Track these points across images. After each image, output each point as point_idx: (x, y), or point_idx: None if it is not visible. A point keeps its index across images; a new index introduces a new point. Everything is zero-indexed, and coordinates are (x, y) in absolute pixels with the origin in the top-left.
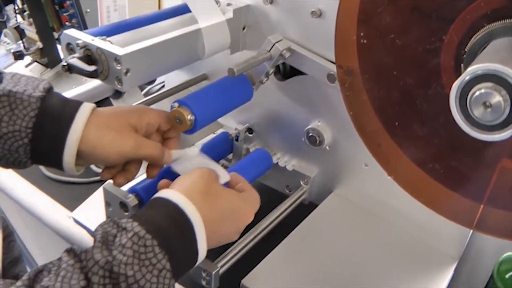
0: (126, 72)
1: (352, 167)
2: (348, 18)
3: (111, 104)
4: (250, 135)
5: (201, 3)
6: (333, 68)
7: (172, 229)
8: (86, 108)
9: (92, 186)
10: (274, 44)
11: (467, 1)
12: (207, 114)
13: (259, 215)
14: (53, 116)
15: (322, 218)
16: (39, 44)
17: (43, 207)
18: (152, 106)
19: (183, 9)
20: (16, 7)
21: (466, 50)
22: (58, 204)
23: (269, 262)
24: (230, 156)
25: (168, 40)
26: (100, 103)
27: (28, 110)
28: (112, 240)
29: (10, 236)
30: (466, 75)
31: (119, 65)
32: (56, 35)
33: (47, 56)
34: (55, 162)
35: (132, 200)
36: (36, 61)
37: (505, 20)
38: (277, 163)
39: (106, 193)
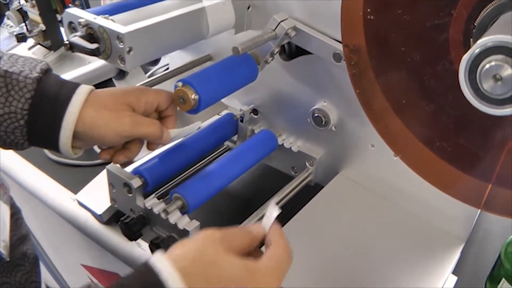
0: (129, 51)
1: (359, 147)
2: None
3: (113, 85)
4: (255, 116)
5: None
6: (339, 47)
7: None
8: (83, 90)
9: (96, 168)
10: (279, 23)
11: None
12: (211, 93)
13: (264, 197)
14: (49, 98)
15: (328, 199)
16: (42, 27)
17: (47, 190)
18: (156, 87)
19: None
20: None
21: (475, 24)
22: (62, 186)
23: None
24: (235, 137)
25: (171, 18)
26: (103, 84)
27: (24, 91)
28: None
29: (17, 213)
30: (476, 48)
31: (121, 43)
32: (59, 17)
33: (50, 39)
34: (52, 144)
35: (135, 181)
36: (39, 44)
37: None
38: (283, 144)
39: (110, 174)
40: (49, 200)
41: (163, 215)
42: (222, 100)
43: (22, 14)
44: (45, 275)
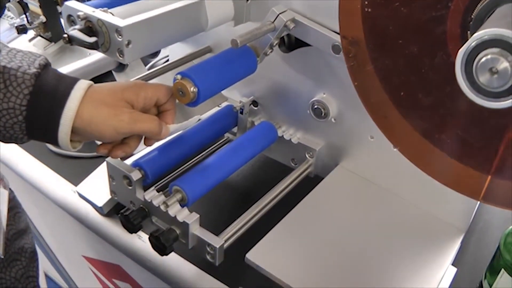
0: (128, 44)
1: (358, 139)
2: None
3: (113, 78)
4: (255, 108)
5: None
6: (338, 39)
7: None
8: (81, 85)
9: (97, 160)
10: (278, 15)
11: None
12: (210, 86)
13: (264, 188)
14: (48, 94)
15: (327, 191)
16: (43, 18)
17: (47, 182)
18: (156, 79)
19: None
20: None
21: (472, 17)
22: (63, 178)
23: (274, 236)
24: (235, 129)
25: (170, 11)
26: (103, 76)
27: (22, 87)
28: None
29: (16, 207)
30: (472, 41)
31: (120, 36)
32: (59, 9)
33: (51, 30)
34: (51, 139)
35: (135, 174)
36: (40, 35)
37: None
38: (282, 136)
39: (110, 167)
40: (50, 192)
41: (162, 208)
42: (222, 92)
43: (23, 6)
44: (47, 266)
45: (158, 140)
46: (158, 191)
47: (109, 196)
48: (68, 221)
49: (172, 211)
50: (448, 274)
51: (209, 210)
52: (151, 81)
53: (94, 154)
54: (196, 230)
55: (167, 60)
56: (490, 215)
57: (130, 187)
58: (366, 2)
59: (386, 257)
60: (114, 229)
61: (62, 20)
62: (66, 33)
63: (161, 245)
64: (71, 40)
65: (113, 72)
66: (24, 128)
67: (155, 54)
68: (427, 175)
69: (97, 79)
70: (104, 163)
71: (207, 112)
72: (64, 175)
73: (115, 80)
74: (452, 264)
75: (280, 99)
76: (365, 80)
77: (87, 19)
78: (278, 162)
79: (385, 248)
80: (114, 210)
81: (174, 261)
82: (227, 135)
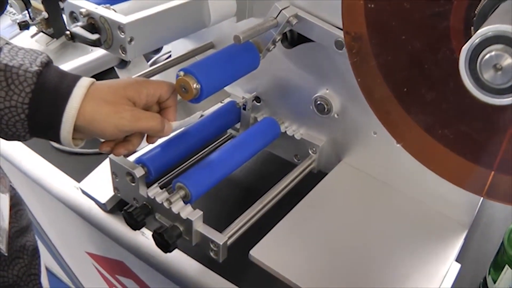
0: (130, 41)
1: (361, 135)
2: None
3: (116, 74)
4: (258, 104)
5: None
6: (340, 34)
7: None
8: (83, 83)
9: (99, 157)
10: (280, 10)
11: None
12: (213, 82)
13: (267, 184)
14: (50, 92)
15: (331, 187)
16: (45, 14)
17: (50, 178)
18: (158, 76)
19: None
20: None
21: (476, 12)
22: (66, 175)
23: (278, 232)
24: (237, 125)
25: (172, 7)
26: (105, 73)
27: (24, 85)
28: None
29: (18, 204)
30: (476, 38)
31: (122, 33)
32: (61, 5)
33: (53, 26)
34: (53, 136)
35: (138, 171)
36: (42, 31)
37: None
38: (285, 132)
39: (113, 163)
40: (53, 188)
41: (166, 205)
42: (225, 88)
43: (25, 2)
44: (50, 262)
45: (160, 137)
46: (161, 187)
47: (112, 193)
48: (71, 218)
49: (175, 208)
50: (452, 270)
51: (212, 207)
52: (153, 78)
53: (97, 150)
54: (200, 227)
55: (170, 56)
56: (493, 210)
57: (133, 184)
58: None
59: (390, 253)
60: (118, 225)
61: (64, 16)
62: (68, 30)
63: (164, 242)
64: (73, 37)
65: (116, 68)
66: (27, 126)
67: (157, 50)
68: (430, 171)
69: (99, 76)
70: (107, 160)
71: (210, 108)
72: (67, 172)
73: (117, 77)
74: (456, 260)
75: (283, 95)
76: (368, 76)
77: (89, 15)
78: (281, 158)
79: (389, 244)
80: (117, 206)
81: (178, 258)
82: (230, 131)
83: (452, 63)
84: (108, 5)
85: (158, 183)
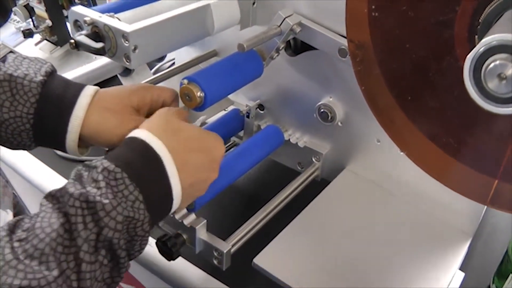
0: (134, 49)
1: (365, 143)
2: None
3: (120, 82)
4: (261, 112)
5: None
6: (344, 42)
7: (140, 162)
8: (87, 92)
9: None
10: (284, 18)
11: None
12: (217, 90)
13: (271, 193)
14: (54, 102)
15: (334, 195)
16: (49, 22)
17: (54, 186)
18: (162, 83)
19: None
20: None
21: (480, 21)
22: None
23: (282, 240)
24: (241, 133)
25: (176, 16)
26: (109, 80)
27: (29, 95)
28: (84, 177)
29: (21, 213)
30: (480, 47)
31: (127, 42)
32: (65, 13)
33: (57, 34)
34: (59, 145)
35: None
36: (46, 39)
37: None
38: (289, 139)
39: None
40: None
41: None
42: (228, 95)
43: (29, 10)
44: None
45: None
46: None
47: None
48: None
49: (179, 216)
50: (456, 278)
51: (216, 214)
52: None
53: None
54: (203, 235)
55: (173, 64)
56: (497, 219)
57: None
58: (373, 7)
59: (394, 261)
60: None
61: (68, 24)
62: (73, 39)
63: (168, 250)
64: (78, 46)
65: (119, 76)
66: (32, 135)
67: (161, 58)
68: (434, 179)
69: (103, 84)
70: None
71: (213, 116)
72: None
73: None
74: (460, 269)
75: (287, 103)
76: (372, 84)
77: (93, 24)
78: (284, 165)
79: (393, 252)
80: None
81: (181, 265)
82: (233, 139)
83: (456, 71)
84: (112, 13)
85: None
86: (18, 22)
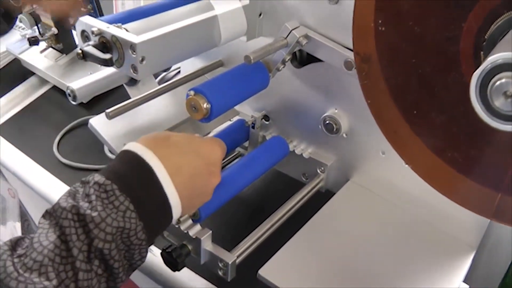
0: (142, 60)
1: (369, 155)
2: (366, 5)
3: (125, 91)
4: (267, 123)
5: None
6: (350, 55)
7: (130, 173)
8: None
9: None
10: (291, 31)
11: None
12: (223, 102)
13: (276, 204)
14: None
15: (339, 206)
16: (54, 30)
17: (58, 194)
18: (168, 94)
19: None
20: None
21: (485, 37)
22: None
23: (287, 251)
24: (246, 143)
25: (184, 27)
26: (115, 90)
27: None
28: (79, 192)
29: (25, 215)
30: (486, 64)
31: (134, 53)
32: (71, 20)
33: (62, 42)
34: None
35: None
36: (51, 47)
37: None
38: (294, 150)
39: None
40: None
41: (174, 223)
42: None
43: (35, 17)
44: None
45: None
46: None
47: None
48: None
49: (184, 227)
50: None
51: (221, 225)
52: (162, 96)
53: (104, 166)
54: (208, 246)
55: (179, 73)
56: (500, 231)
57: None
58: (380, 21)
59: (398, 273)
60: None
61: (73, 32)
62: (80, 49)
63: (173, 261)
64: (85, 56)
65: (125, 86)
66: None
67: (167, 68)
68: (438, 192)
69: (109, 93)
70: None
71: (218, 126)
72: None
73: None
74: (464, 281)
75: (292, 114)
76: (378, 98)
77: (101, 34)
78: (289, 176)
79: (397, 264)
80: None
81: (186, 276)
82: (238, 149)
83: (461, 87)
84: (119, 24)
85: None
86: (23, 29)
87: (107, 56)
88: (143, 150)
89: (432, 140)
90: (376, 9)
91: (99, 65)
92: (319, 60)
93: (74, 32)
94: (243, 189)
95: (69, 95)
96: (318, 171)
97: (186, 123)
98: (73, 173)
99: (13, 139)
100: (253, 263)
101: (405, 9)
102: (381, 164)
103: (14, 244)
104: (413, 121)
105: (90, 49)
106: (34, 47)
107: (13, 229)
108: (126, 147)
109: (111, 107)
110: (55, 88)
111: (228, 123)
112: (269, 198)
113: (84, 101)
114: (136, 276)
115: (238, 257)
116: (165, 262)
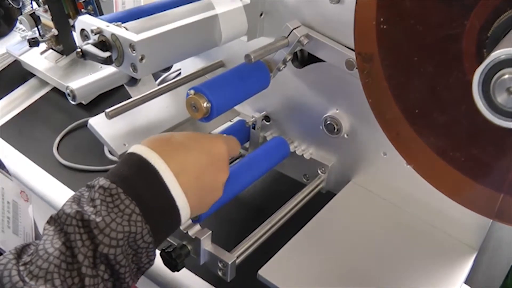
0: (141, 59)
1: (371, 155)
2: (368, 3)
3: (126, 92)
4: (267, 123)
5: None
6: (351, 55)
7: (136, 175)
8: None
9: None
10: (292, 30)
11: None
12: (223, 101)
13: (276, 204)
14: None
15: (340, 207)
16: (54, 31)
17: (58, 196)
18: (168, 94)
19: None
20: None
21: (488, 35)
22: (73, 192)
23: (287, 252)
24: (247, 144)
25: (184, 26)
26: (115, 90)
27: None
28: (84, 197)
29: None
30: (489, 60)
31: (134, 51)
32: (71, 22)
33: (63, 43)
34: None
35: None
36: (52, 48)
37: None
38: (295, 151)
39: None
40: (61, 206)
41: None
42: (234, 106)
43: (35, 19)
44: None
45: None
46: None
47: None
48: None
49: (183, 227)
50: None
51: (221, 226)
52: (163, 96)
53: (105, 167)
54: (208, 246)
55: (179, 74)
56: (502, 233)
57: None
58: (381, 19)
59: (399, 274)
60: None
61: (74, 33)
62: (79, 48)
63: (172, 261)
64: (84, 55)
65: (125, 86)
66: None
67: (167, 68)
68: (440, 193)
69: (109, 93)
70: None
71: (219, 127)
72: (75, 189)
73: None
74: (465, 283)
75: (293, 115)
76: (380, 97)
77: (100, 33)
78: (290, 177)
79: (398, 265)
80: None
81: (185, 276)
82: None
83: (464, 86)
84: (119, 23)
85: None
86: (23, 31)
87: (106, 54)
88: (148, 152)
89: (433, 140)
90: (378, 7)
91: (100, 66)
92: (320, 60)
93: (74, 33)
94: (244, 189)
95: (69, 95)
96: (319, 172)
97: (186, 124)
98: (73, 175)
99: (13, 140)
100: (253, 264)
101: (407, 7)
102: (383, 165)
103: (20, 251)
104: (415, 120)
105: (89, 47)
106: (34, 48)
107: (26, 236)
108: (130, 150)
109: None
110: (55, 89)
111: (229, 123)
112: (270, 199)
113: (84, 102)
114: None
115: (238, 257)
116: (164, 263)
